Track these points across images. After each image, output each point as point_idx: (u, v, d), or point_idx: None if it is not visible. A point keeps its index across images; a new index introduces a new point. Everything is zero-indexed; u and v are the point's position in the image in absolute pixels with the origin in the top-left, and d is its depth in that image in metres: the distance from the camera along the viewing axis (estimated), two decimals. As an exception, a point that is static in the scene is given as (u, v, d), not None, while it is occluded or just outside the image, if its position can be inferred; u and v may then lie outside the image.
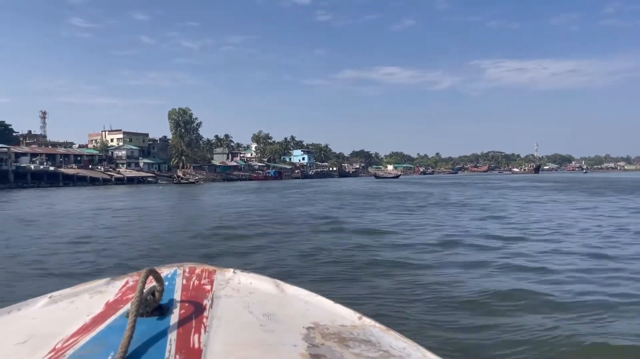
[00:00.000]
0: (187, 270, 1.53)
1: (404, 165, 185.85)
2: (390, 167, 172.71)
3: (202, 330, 1.18)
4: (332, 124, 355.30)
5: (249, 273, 1.53)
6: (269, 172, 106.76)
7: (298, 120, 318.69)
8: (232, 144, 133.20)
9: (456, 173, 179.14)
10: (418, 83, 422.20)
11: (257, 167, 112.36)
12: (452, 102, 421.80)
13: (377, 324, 1.31)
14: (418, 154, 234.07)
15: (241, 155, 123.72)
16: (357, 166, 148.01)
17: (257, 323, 1.25)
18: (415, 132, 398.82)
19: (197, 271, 1.54)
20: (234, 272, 1.53)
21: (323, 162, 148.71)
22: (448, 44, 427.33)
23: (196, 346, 1.10)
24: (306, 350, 1.12)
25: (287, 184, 65.05)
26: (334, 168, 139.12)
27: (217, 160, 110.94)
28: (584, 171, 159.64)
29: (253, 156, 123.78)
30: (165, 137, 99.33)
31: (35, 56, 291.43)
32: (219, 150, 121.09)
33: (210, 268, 1.56)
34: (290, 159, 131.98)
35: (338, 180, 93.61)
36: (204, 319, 1.23)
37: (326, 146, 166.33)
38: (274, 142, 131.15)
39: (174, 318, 1.23)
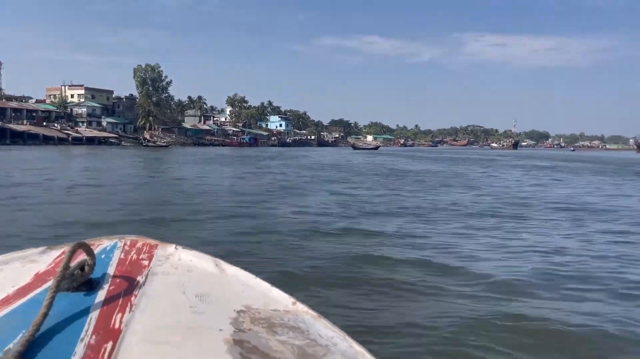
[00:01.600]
0: (127, 243, 1.48)
1: (384, 136, 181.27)
2: (369, 138, 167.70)
3: (128, 309, 1.17)
4: (311, 91, 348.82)
5: (190, 250, 1.46)
6: (243, 138, 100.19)
7: (276, 85, 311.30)
8: (206, 107, 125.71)
9: (436, 146, 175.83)
10: (399, 54, 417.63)
11: (231, 132, 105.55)
12: (432, 74, 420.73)
13: (310, 311, 1.30)
14: (397, 125, 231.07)
15: (215, 118, 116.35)
16: (337, 135, 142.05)
17: (187, 304, 1.24)
18: (394, 103, 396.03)
19: (139, 244, 1.47)
20: (175, 248, 1.47)
21: (301, 129, 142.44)
22: (430, 15, 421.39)
23: (117, 326, 1.08)
24: (231, 335, 1.14)
25: (263, 153, 59.02)
26: (313, 137, 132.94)
27: (189, 123, 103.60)
28: (572, 149, 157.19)
29: (227, 120, 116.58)
30: (132, 95, 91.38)
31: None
32: (190, 112, 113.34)
33: (153, 242, 1.49)
34: (267, 125, 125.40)
35: (317, 149, 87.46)
36: (133, 298, 1.22)
37: (304, 113, 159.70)
38: (250, 106, 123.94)
39: (102, 294, 1.22)
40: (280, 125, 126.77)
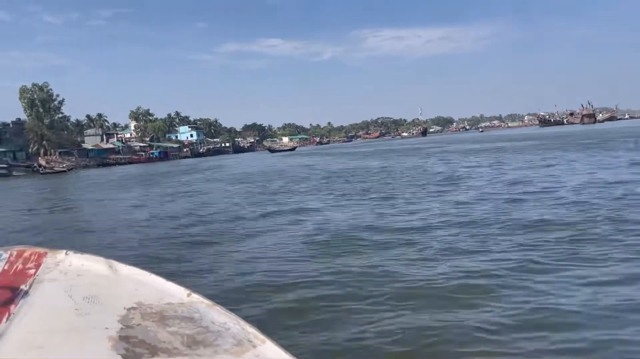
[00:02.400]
0: (14, 254, 1.46)
1: (300, 136, 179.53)
2: (285, 139, 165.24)
3: (5, 318, 1.17)
4: (220, 99, 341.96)
5: (82, 254, 1.48)
6: (152, 153, 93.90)
7: (182, 96, 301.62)
8: (108, 124, 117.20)
9: (351, 141, 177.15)
10: (302, 54, 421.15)
11: (138, 148, 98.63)
12: (336, 71, 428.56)
13: (205, 301, 1.34)
14: (311, 124, 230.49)
15: (119, 135, 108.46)
16: (252, 140, 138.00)
17: (73, 307, 1.26)
18: (305, 102, 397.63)
19: (26, 254, 1.47)
20: (66, 254, 1.48)
21: (214, 138, 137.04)
22: (328, 15, 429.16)
23: None
24: (117, 332, 1.16)
25: (176, 167, 54.57)
26: (227, 144, 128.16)
27: (90, 143, 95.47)
28: (480, 130, 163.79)
29: (133, 136, 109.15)
30: (19, 119, 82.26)
31: None
32: (90, 131, 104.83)
33: (42, 250, 1.49)
34: (177, 137, 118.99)
35: (234, 156, 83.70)
36: (12, 306, 1.23)
37: (215, 121, 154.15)
38: (156, 119, 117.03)
39: None
40: (192, 136, 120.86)
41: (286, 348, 1.20)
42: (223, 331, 1.22)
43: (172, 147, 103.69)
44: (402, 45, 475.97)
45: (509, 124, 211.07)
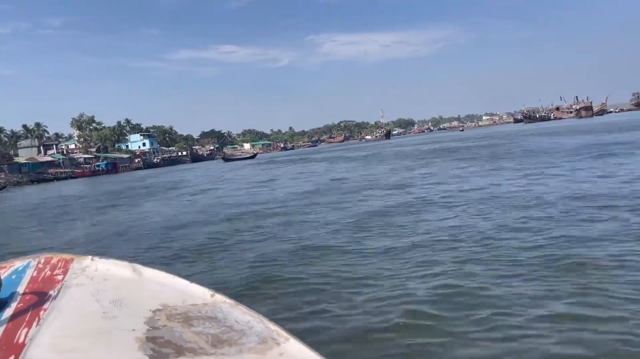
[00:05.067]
0: (42, 261, 1.50)
1: (262, 142, 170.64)
2: (247, 146, 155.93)
3: (35, 323, 1.19)
4: (175, 106, 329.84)
5: (107, 259, 1.50)
6: (98, 165, 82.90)
7: (134, 104, 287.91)
8: (48, 135, 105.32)
9: (316, 145, 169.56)
10: (259, 60, 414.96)
11: (82, 160, 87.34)
12: (295, 77, 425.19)
13: (228, 300, 1.36)
14: (272, 130, 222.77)
15: (61, 147, 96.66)
16: (212, 147, 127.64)
17: (100, 311, 1.27)
18: (264, 108, 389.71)
19: (54, 261, 1.50)
20: (92, 259, 1.50)
21: (169, 146, 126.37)
22: (283, 20, 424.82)
23: (20, 340, 1.10)
24: (144, 334, 1.17)
25: (124, 182, 44.96)
26: (185, 153, 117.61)
27: (25, 156, 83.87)
28: (461, 129, 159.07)
29: (78, 147, 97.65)
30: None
31: None
32: (25, 142, 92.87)
33: (68, 256, 1.52)
34: (127, 146, 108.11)
35: (192, 167, 73.74)
36: (42, 312, 1.25)
37: (171, 128, 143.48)
38: (103, 127, 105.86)
39: (8, 312, 1.25)
40: (144, 144, 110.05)
41: (310, 345, 1.19)
42: (247, 329, 1.23)
43: (122, 158, 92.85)
44: (359, 49, 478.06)
45: (480, 123, 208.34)
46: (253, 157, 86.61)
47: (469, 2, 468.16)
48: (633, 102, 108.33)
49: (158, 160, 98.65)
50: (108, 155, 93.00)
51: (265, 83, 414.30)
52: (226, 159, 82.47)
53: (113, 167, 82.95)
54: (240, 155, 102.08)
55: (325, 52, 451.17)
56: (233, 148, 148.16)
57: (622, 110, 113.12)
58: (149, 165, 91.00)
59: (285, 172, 28.24)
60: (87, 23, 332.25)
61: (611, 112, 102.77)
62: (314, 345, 1.22)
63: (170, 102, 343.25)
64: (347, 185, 16.63)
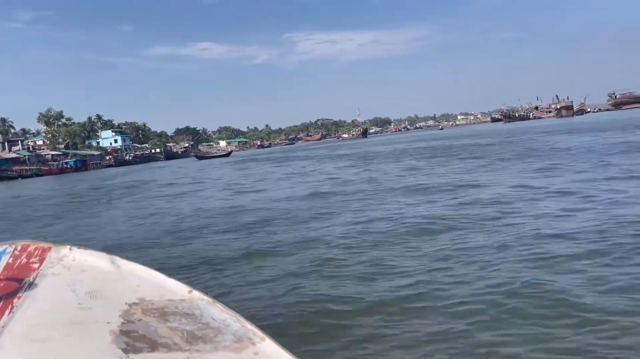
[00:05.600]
0: (18, 248, 1.48)
1: (238, 140, 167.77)
2: (222, 143, 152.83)
3: (8, 311, 1.19)
4: (150, 103, 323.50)
5: (85, 250, 1.49)
6: (67, 162, 79.35)
7: (107, 101, 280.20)
8: (14, 131, 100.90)
9: (293, 143, 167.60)
10: (236, 58, 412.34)
11: (49, 157, 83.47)
12: (271, 75, 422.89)
13: (205, 298, 1.36)
14: (248, 127, 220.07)
15: (28, 143, 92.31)
16: (186, 145, 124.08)
17: (75, 301, 1.27)
18: (241, 105, 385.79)
19: (30, 248, 1.48)
20: (70, 249, 1.49)
21: (142, 143, 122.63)
22: (260, 18, 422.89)
23: None
24: (118, 326, 1.17)
25: (88, 181, 42.29)
26: (158, 150, 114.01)
27: (-12, 152, 79.78)
28: (440, 127, 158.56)
29: (45, 143, 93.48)
30: None
31: None
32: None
33: (46, 245, 1.51)
34: (98, 143, 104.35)
35: (164, 164, 70.85)
36: (15, 300, 1.25)
37: (144, 125, 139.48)
38: (73, 122, 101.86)
39: None
40: (116, 141, 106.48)
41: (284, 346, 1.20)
42: (223, 327, 1.23)
43: (92, 155, 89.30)
44: (335, 48, 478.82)
45: (457, 122, 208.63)
46: (228, 154, 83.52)
47: (445, 2, 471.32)
48: (610, 103, 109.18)
49: (130, 158, 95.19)
50: (77, 152, 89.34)
51: (241, 81, 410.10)
52: (199, 157, 78.96)
53: (82, 165, 79.58)
54: (215, 152, 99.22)
55: (302, 50, 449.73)
56: (208, 145, 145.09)
57: (600, 110, 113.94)
58: (120, 163, 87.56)
59: (273, 173, 25.73)
60: (58, 17, 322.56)
61: (589, 111, 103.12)
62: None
63: (144, 98, 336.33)
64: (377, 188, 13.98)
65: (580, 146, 20.96)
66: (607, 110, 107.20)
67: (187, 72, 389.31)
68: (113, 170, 65.50)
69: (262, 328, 1.25)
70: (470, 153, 24.32)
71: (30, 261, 1.39)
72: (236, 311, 1.31)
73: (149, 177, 34.68)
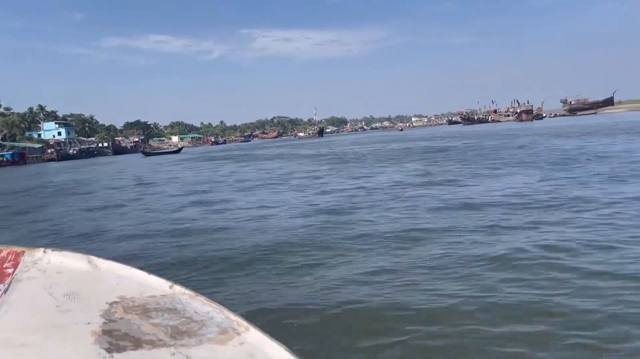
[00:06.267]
0: None
1: (192, 136, 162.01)
2: (175, 139, 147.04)
3: None
4: (101, 96, 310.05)
5: (60, 251, 1.47)
6: (2, 155, 72.78)
7: (54, 92, 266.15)
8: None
9: (249, 140, 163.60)
10: (192, 52, 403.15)
11: (-18, 149, 76.46)
12: (228, 70, 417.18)
13: (187, 291, 1.35)
14: (202, 123, 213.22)
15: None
16: (136, 139, 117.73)
17: (53, 304, 1.25)
18: (195, 101, 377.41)
19: (3, 254, 1.45)
20: (44, 251, 1.46)
21: (89, 136, 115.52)
22: (217, 12, 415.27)
23: None
24: (100, 327, 1.16)
25: (18, 179, 37.62)
26: (106, 144, 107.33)
27: None
28: (400, 129, 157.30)
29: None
30: None
31: None
32: None
33: (19, 249, 1.48)
34: (40, 135, 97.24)
35: (113, 160, 65.78)
36: None
37: (91, 117, 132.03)
38: (12, 112, 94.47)
39: None
40: (59, 134, 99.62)
41: (271, 335, 1.19)
42: (207, 320, 1.22)
43: (33, 148, 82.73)
44: (292, 46, 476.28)
45: (414, 124, 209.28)
46: (178, 151, 78.05)
47: (403, 5, 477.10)
48: (566, 109, 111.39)
49: (75, 152, 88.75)
50: (15, 144, 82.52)
51: (196, 75, 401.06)
52: (146, 153, 73.44)
53: (20, 158, 73.33)
54: (167, 148, 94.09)
55: (259, 46, 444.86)
56: (160, 140, 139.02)
57: (556, 115, 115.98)
58: (64, 157, 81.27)
59: (240, 176, 22.07)
60: (4, 2, 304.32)
61: (545, 116, 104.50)
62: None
63: (94, 91, 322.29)
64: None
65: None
66: (563, 115, 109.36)
67: (142, 65, 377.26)
68: (54, 165, 60.09)
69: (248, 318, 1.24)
70: (483, 156, 20.37)
71: (4, 266, 1.34)
72: (219, 303, 1.29)
73: (87, 176, 30.46)
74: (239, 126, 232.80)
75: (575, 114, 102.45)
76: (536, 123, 74.54)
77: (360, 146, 42.96)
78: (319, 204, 10.63)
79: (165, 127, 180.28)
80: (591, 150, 18.92)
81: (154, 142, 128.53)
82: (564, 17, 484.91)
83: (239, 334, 1.19)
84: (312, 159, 29.08)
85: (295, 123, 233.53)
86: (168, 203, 13.03)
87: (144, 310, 1.23)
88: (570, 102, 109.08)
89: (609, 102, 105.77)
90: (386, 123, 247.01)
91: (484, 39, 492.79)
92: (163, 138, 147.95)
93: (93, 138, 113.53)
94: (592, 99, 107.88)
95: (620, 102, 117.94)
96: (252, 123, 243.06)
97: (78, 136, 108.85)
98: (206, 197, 13.61)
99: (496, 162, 17.10)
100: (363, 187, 13.13)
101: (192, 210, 11.33)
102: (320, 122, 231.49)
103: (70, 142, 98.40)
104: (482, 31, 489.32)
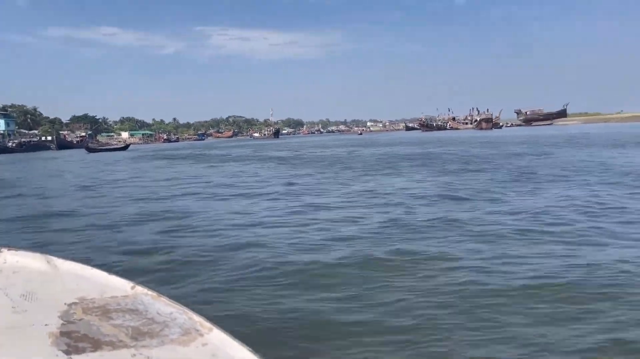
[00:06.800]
0: None
1: (143, 132, 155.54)
2: (125, 134, 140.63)
3: None
4: (45, 87, 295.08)
5: (17, 251, 1.41)
6: None
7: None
8: None
9: (203, 139, 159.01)
10: (144, 46, 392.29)
11: None
12: (182, 66, 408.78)
13: (150, 292, 1.32)
14: (154, 119, 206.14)
15: None
16: (83, 134, 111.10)
17: (9, 305, 1.20)
18: (147, 96, 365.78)
19: None
20: None
21: (32, 129, 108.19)
22: (172, 7, 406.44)
23: None
24: (58, 328, 1.13)
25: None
26: (50, 138, 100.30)
27: None
28: (359, 133, 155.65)
29: None
30: None
31: None
32: None
33: None
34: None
35: (56, 155, 60.58)
36: None
37: (35, 109, 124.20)
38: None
39: None
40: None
41: (234, 335, 1.18)
42: (169, 321, 1.20)
43: (-34, 139, 76.09)
44: (249, 46, 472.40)
45: (371, 128, 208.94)
46: (125, 148, 73.38)
47: (357, 11, 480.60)
48: (522, 119, 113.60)
49: (14, 145, 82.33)
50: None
51: (149, 70, 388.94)
52: (90, 149, 68.08)
53: (-50, 150, 66.96)
54: (115, 144, 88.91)
55: (215, 44, 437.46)
56: (109, 136, 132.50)
57: (513, 124, 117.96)
58: (1, 150, 75.14)
59: (200, 182, 19.86)
60: None
61: (502, 126, 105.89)
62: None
63: (41, 81, 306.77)
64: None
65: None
66: (519, 125, 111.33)
67: (91, 57, 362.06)
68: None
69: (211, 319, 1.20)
70: (498, 166, 17.96)
71: None
72: (182, 304, 1.26)
73: (18, 174, 26.83)
74: (193, 124, 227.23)
75: (530, 124, 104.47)
76: (496, 132, 74.84)
77: (331, 149, 40.70)
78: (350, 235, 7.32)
79: (115, 123, 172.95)
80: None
81: (102, 138, 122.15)
82: (505, 30, 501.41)
83: (202, 335, 1.17)
84: (288, 163, 26.56)
85: (251, 123, 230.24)
86: (108, 218, 10.22)
87: (105, 311, 1.20)
88: (526, 113, 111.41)
89: (562, 114, 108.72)
90: (342, 127, 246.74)
91: (432, 48, 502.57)
92: (112, 134, 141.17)
93: (36, 131, 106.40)
94: (546, 110, 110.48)
95: (573, 114, 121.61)
96: (206, 122, 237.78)
97: (19, 128, 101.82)
98: (158, 207, 11.01)
99: (517, 173, 15.22)
100: (391, 205, 10.07)
101: (142, 229, 8.69)
102: (277, 122, 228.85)
103: (9, 134, 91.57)
104: (429, 40, 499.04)
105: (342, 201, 10.77)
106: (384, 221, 8.11)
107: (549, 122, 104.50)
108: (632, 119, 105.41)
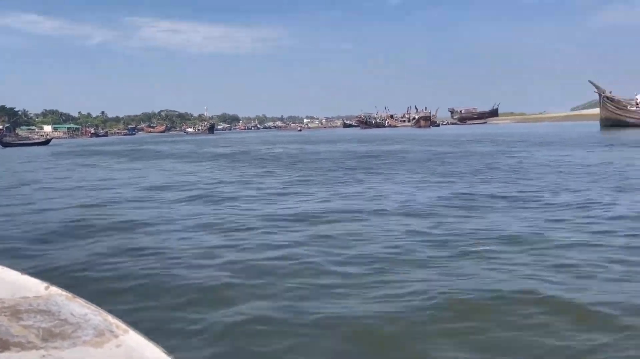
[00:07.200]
0: None
1: (68, 126, 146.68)
2: (47, 128, 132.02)
3: None
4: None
5: None
6: None
7: None
8: None
9: (134, 134, 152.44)
10: (67, 35, 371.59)
11: None
12: (109, 58, 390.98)
13: (64, 293, 1.30)
14: (80, 113, 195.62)
15: None
16: (0, 127, 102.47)
17: None
18: (71, 88, 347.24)
19: None
20: None
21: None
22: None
23: None
24: None
25: None
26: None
27: None
28: (299, 129, 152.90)
29: None
30: None
31: None
32: None
33: None
34: None
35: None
36: None
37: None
38: None
39: None
40: None
41: (150, 336, 1.17)
42: (83, 322, 1.18)
43: None
44: (180, 38, 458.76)
45: (308, 125, 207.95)
46: (46, 142, 67.74)
47: (294, 8, 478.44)
48: (456, 117, 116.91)
49: None
50: None
51: (74, 61, 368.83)
52: (6, 144, 61.96)
53: None
54: (37, 139, 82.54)
55: (145, 36, 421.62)
56: (30, 130, 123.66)
57: (448, 123, 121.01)
58: None
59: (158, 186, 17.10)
60: None
61: (439, 124, 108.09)
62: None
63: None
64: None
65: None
66: (454, 123, 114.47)
67: (9, 46, 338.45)
68: None
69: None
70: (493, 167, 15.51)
71: None
72: (98, 305, 1.25)
73: None
74: (123, 118, 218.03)
75: (465, 123, 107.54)
76: (434, 130, 75.89)
77: (280, 146, 38.63)
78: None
79: (37, 115, 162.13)
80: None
81: (22, 131, 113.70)
82: (437, 32, 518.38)
83: (116, 336, 1.15)
84: (239, 161, 24.48)
85: (184, 118, 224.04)
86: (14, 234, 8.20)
87: (15, 311, 1.17)
88: (461, 112, 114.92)
89: (494, 113, 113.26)
90: (279, 123, 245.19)
91: (366, 48, 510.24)
92: (34, 128, 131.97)
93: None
94: (479, 110, 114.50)
95: (503, 114, 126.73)
96: (137, 116, 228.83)
97: None
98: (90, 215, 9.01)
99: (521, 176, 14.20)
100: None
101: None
102: (212, 118, 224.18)
103: None
104: (362, 40, 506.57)
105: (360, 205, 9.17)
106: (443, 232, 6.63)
107: (483, 120, 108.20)
108: (552, 119, 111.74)
